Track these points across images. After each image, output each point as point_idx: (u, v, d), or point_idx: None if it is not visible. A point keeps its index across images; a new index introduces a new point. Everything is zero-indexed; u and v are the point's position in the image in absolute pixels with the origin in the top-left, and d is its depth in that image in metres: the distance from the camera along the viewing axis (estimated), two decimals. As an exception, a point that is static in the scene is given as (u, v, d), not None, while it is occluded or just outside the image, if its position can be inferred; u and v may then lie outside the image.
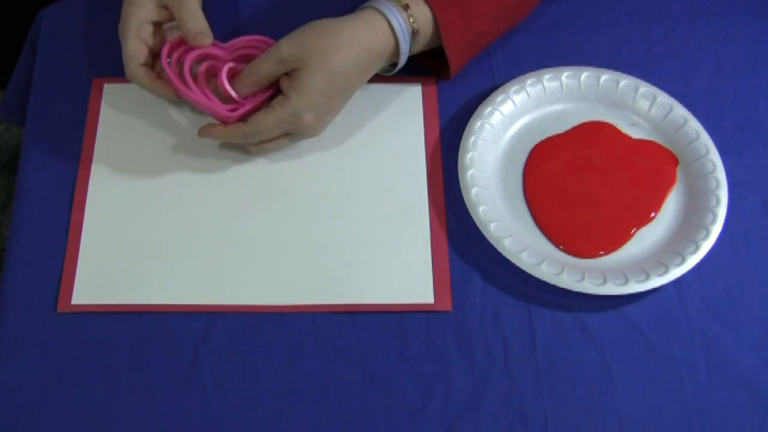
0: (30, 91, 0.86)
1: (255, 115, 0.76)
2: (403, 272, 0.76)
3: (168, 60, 0.77)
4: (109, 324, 0.74)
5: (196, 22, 0.77)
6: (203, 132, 0.78)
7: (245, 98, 0.77)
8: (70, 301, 0.74)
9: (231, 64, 0.77)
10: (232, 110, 0.76)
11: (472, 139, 0.80)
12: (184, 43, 0.78)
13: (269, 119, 0.75)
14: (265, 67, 0.75)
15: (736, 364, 0.73)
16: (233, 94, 0.76)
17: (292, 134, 0.79)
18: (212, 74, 0.79)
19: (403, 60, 0.79)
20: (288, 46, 0.74)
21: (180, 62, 0.78)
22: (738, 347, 0.74)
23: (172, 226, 0.78)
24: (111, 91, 0.85)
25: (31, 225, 0.78)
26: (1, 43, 1.39)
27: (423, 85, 0.85)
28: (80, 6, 0.90)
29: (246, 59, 0.79)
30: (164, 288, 0.75)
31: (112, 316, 0.74)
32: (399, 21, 0.76)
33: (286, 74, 0.76)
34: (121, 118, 0.83)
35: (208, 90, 0.77)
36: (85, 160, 0.81)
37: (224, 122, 0.77)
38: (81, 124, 0.83)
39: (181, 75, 0.77)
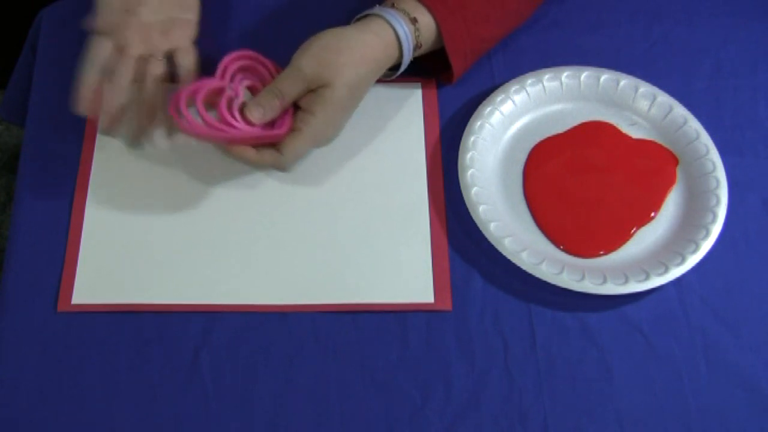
0: (30, 91, 0.86)
1: (286, 143, 0.75)
2: (403, 272, 0.76)
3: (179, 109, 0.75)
4: (109, 324, 0.74)
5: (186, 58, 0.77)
6: (236, 152, 0.75)
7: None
8: (70, 301, 0.74)
9: (242, 99, 0.76)
10: (270, 130, 0.75)
11: (472, 138, 0.80)
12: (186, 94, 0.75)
13: (300, 142, 0.75)
14: (290, 90, 0.74)
15: (736, 364, 0.73)
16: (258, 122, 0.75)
17: None
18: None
19: (402, 68, 0.80)
20: (309, 66, 0.74)
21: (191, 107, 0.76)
22: (738, 347, 0.74)
23: (172, 226, 0.78)
24: (111, 91, 0.85)
25: (31, 225, 0.78)
26: (1, 43, 1.39)
27: (423, 85, 0.85)
28: (80, 6, 0.90)
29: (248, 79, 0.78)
30: (164, 288, 0.75)
31: (112, 315, 0.74)
32: (406, 33, 0.77)
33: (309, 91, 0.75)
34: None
35: (243, 122, 0.75)
36: (85, 161, 0.81)
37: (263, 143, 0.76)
38: (81, 124, 0.83)
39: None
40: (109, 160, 0.81)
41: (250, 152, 0.75)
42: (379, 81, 0.82)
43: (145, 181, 0.80)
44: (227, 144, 0.75)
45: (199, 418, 0.71)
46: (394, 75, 0.81)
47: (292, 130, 0.75)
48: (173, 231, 0.78)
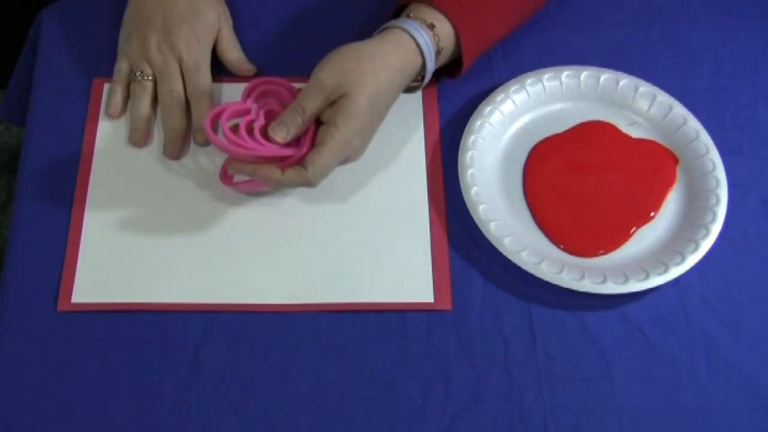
0: (30, 91, 0.86)
1: (311, 157, 0.73)
2: (403, 271, 0.76)
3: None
4: (110, 323, 0.74)
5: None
6: (262, 172, 0.74)
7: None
8: (70, 300, 0.74)
9: (262, 122, 0.76)
10: (290, 149, 0.75)
11: (472, 138, 0.80)
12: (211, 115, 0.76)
13: (327, 156, 0.73)
14: (311, 105, 0.74)
15: (736, 363, 0.73)
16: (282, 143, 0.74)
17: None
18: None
19: (428, 78, 0.80)
20: (329, 77, 0.73)
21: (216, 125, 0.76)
22: (738, 346, 0.74)
23: (172, 226, 0.78)
24: (111, 90, 0.85)
25: (31, 225, 0.78)
26: (1, 43, 1.39)
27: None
28: (80, 6, 0.90)
29: (266, 104, 0.78)
30: (164, 287, 0.75)
31: (113, 315, 0.74)
32: (426, 40, 0.77)
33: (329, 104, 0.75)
34: (122, 118, 0.83)
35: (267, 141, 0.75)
36: (85, 160, 0.81)
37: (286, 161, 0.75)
38: (81, 124, 0.83)
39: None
40: (108, 159, 0.81)
41: (276, 173, 0.74)
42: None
43: (145, 180, 0.80)
44: (255, 163, 0.74)
45: (199, 418, 0.71)
46: (422, 85, 0.81)
47: (316, 144, 0.74)
48: (173, 231, 0.78)
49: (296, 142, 0.76)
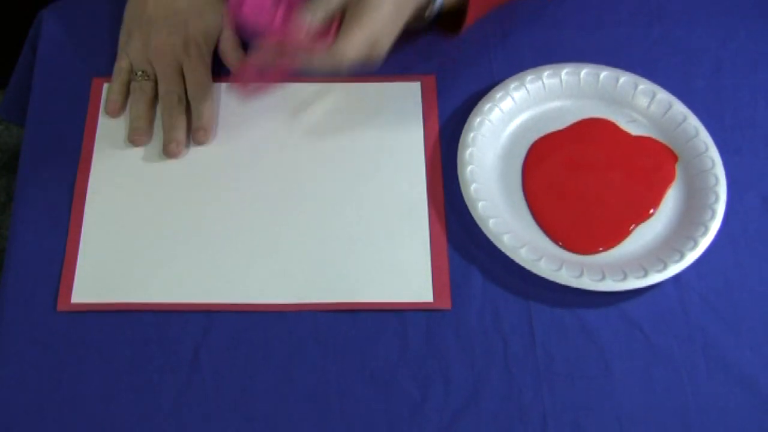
0: (30, 91, 0.86)
1: (338, 39, 0.71)
2: (402, 270, 0.76)
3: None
4: (109, 323, 0.74)
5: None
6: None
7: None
8: (70, 300, 0.74)
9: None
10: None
11: (472, 135, 0.80)
12: None
13: (354, 37, 0.71)
14: None
15: (735, 362, 0.73)
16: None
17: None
18: None
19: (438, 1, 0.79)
20: None
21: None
22: (737, 344, 0.74)
23: (172, 225, 0.78)
24: (111, 90, 0.85)
25: (31, 225, 0.78)
26: (1, 43, 1.39)
27: (422, 82, 0.85)
28: (80, 6, 0.90)
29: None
30: (164, 287, 0.75)
31: (112, 315, 0.74)
32: None
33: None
34: (121, 118, 0.83)
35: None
36: (85, 160, 0.81)
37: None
38: (81, 124, 0.83)
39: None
40: (109, 159, 0.81)
41: (305, 53, 0.72)
42: (382, 76, 0.83)
43: (145, 180, 0.80)
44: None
45: (199, 418, 0.71)
46: (432, 10, 0.79)
47: (342, 30, 0.72)
48: (173, 230, 0.78)
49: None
